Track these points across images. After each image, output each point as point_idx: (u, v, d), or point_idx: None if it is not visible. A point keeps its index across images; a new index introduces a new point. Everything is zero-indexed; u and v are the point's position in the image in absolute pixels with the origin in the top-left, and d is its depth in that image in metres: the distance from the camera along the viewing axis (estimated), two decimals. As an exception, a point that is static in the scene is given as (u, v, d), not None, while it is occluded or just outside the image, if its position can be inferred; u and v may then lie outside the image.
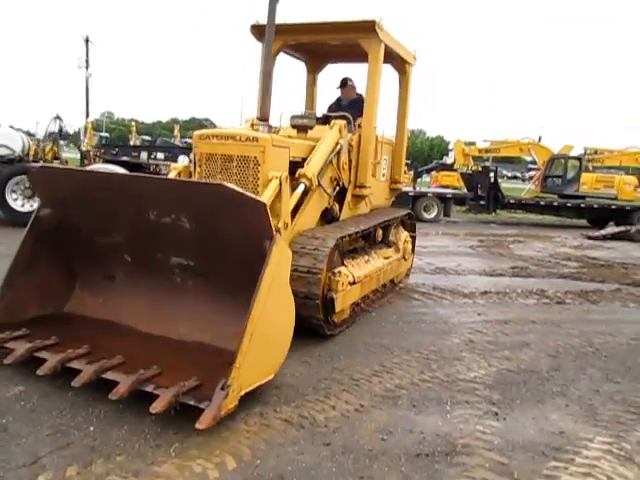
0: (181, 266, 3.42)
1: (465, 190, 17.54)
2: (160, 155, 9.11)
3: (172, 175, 4.26)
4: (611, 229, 14.08)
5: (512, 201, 16.85)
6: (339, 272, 4.17)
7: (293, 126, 4.63)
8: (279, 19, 4.16)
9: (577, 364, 4.12)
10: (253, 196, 2.90)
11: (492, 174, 16.38)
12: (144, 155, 9.08)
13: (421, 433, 2.87)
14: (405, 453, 2.66)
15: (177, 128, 31.40)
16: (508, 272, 7.78)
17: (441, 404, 3.26)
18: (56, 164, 9.18)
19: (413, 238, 6.48)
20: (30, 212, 8.73)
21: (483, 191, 16.27)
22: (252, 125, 4.27)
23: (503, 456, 2.70)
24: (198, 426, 2.44)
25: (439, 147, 63.55)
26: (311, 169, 4.11)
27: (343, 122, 4.65)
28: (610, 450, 2.86)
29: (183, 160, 9.30)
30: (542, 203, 16.85)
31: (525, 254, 9.76)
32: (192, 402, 2.63)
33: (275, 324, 2.92)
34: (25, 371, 3.09)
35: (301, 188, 4.00)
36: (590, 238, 13.09)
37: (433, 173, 22.83)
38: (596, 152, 24.30)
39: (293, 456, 2.54)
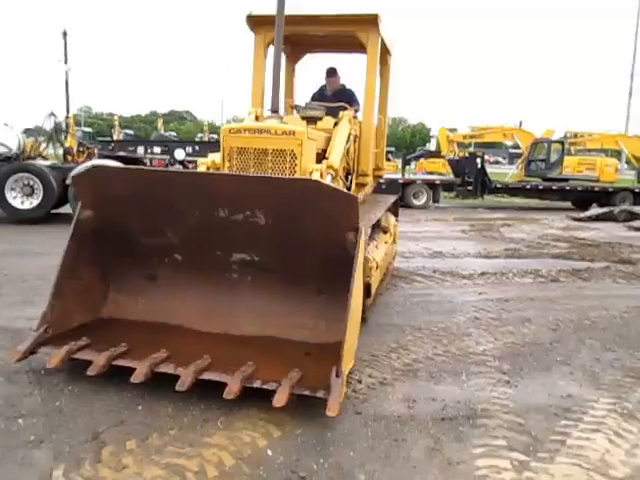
0: (243, 262, 3.46)
1: (452, 176, 17.89)
2: (157, 149, 9.21)
3: (202, 170, 4.20)
4: (595, 210, 14.49)
5: (499, 186, 17.23)
6: (370, 258, 4.38)
7: (303, 117, 4.77)
8: (269, 10, 4.29)
9: (576, 336, 4.41)
10: (346, 191, 3.17)
11: (479, 160, 16.71)
12: (141, 150, 9.17)
13: (442, 401, 3.13)
14: (431, 418, 2.91)
15: (160, 121, 31.19)
16: (502, 254, 8.09)
17: (457, 375, 3.51)
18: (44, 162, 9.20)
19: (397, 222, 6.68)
20: (29, 209, 8.98)
21: (471, 177, 16.62)
22: (257, 117, 4.50)
23: (519, 417, 2.96)
24: (330, 414, 2.59)
25: (421, 134, 63.98)
26: (335, 160, 4.27)
27: (351, 113, 4.84)
28: (614, 409, 3.14)
29: (179, 154, 9.53)
30: (528, 187, 17.25)
31: (516, 236, 10.09)
32: (307, 392, 2.76)
33: (358, 311, 3.17)
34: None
35: (329, 179, 4.16)
36: (576, 220, 13.48)
37: (421, 160, 23.16)
38: (576, 135, 24.78)
39: (330, 424, 2.77)
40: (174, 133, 33.81)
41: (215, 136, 25.63)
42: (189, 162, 9.57)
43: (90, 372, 2.90)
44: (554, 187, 17.15)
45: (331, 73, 5.77)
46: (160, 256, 3.59)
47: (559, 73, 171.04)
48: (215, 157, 4.23)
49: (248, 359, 3.03)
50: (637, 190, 16.95)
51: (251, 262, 3.46)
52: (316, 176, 3.81)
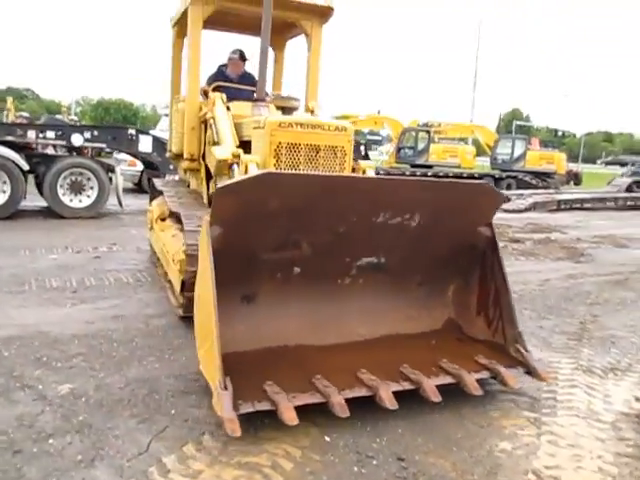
0: (370, 265, 3.37)
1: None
2: (50, 134, 8.35)
3: (253, 169, 3.68)
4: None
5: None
6: None
7: (278, 107, 4.73)
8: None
9: (514, 308, 5.02)
10: (500, 191, 3.41)
11: (363, 147, 17.52)
12: (31, 134, 8.26)
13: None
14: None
15: (10, 100, 27.79)
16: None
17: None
18: None
19: None
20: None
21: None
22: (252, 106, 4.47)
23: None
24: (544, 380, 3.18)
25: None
26: None
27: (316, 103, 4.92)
28: (576, 368, 3.69)
29: (77, 140, 8.70)
30: (397, 173, 18.52)
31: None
32: (487, 375, 3.12)
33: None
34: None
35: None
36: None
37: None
38: (434, 125, 27.00)
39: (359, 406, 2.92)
40: (25, 114, 30.11)
41: (25, 114, 23.27)
42: (92, 149, 8.82)
43: (290, 421, 2.50)
44: (418, 173, 18.60)
45: (242, 57, 5.66)
46: (272, 272, 3.20)
47: (412, 67, 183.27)
48: (229, 149, 3.91)
49: (394, 360, 3.06)
50: (497, 176, 19.04)
51: (377, 265, 3.39)
52: (370, 173, 4.01)
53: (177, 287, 4.10)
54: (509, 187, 19.30)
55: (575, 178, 31.85)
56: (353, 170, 4.07)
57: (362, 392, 2.78)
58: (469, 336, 3.59)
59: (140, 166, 11.76)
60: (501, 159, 22.39)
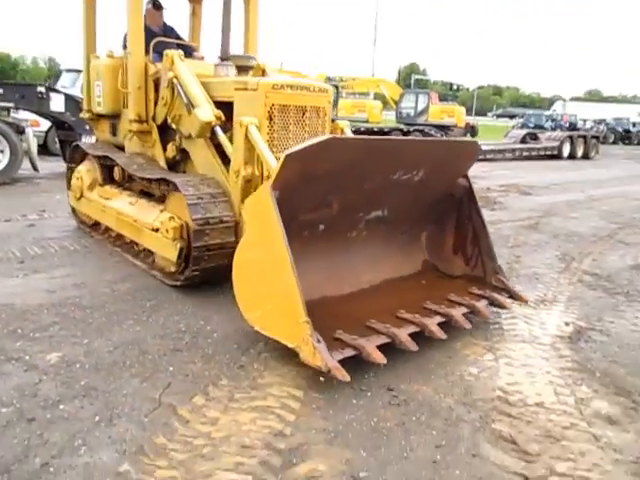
0: (374, 219, 3.67)
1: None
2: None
3: (254, 130, 3.70)
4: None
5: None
6: None
7: (238, 66, 4.65)
8: None
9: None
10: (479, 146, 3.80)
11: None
12: None
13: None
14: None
15: None
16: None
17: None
18: None
19: None
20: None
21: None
22: (215, 65, 4.42)
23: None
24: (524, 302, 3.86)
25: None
26: None
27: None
28: (513, 301, 4.22)
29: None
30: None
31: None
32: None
33: None
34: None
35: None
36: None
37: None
38: (342, 79, 27.30)
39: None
40: None
41: None
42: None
43: (380, 360, 2.79)
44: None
45: (160, 7, 5.48)
46: (301, 230, 3.29)
47: (315, 22, 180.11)
48: (209, 111, 3.93)
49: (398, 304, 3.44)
50: (406, 130, 19.75)
51: (381, 218, 3.69)
52: (348, 131, 4.24)
53: (170, 256, 3.95)
54: (417, 141, 20.17)
55: (472, 130, 33.83)
56: (331, 130, 4.23)
57: (410, 329, 3.14)
58: (446, 273, 4.11)
59: (44, 126, 10.95)
60: (406, 113, 23.18)
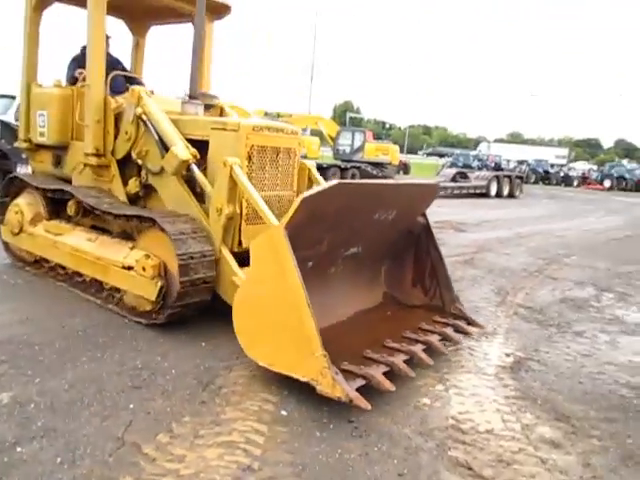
0: (351, 254, 3.86)
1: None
2: None
3: (239, 170, 3.84)
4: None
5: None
6: None
7: (205, 105, 4.73)
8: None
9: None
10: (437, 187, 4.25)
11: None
12: None
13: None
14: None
15: None
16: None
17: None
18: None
19: None
20: None
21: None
22: (183, 102, 4.50)
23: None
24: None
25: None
26: None
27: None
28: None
29: None
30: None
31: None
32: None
33: None
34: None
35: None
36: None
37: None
38: (279, 115, 27.88)
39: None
40: None
41: None
42: None
43: (390, 388, 3.03)
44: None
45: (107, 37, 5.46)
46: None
47: (250, 56, 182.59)
48: (185, 150, 4.04)
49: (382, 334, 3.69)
50: (343, 166, 20.31)
51: (355, 254, 3.85)
52: (315, 172, 4.59)
53: (148, 294, 3.87)
54: (353, 177, 20.74)
55: (404, 168, 35.28)
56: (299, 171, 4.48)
57: (402, 357, 3.39)
58: (406, 304, 4.37)
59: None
60: (342, 150, 23.90)
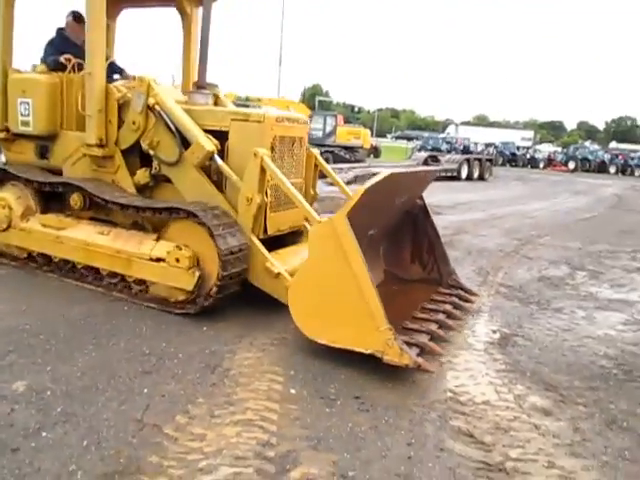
0: (369, 236, 4.02)
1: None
2: None
3: (269, 160, 3.98)
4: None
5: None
6: None
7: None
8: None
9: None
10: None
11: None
12: None
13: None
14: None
15: None
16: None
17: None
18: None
19: None
20: None
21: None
22: (190, 92, 4.63)
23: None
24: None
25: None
26: None
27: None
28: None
29: None
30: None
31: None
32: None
33: None
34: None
35: None
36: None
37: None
38: (248, 99, 27.72)
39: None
40: None
41: None
42: None
43: (440, 351, 3.61)
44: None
45: (76, 18, 5.22)
46: None
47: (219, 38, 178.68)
48: (207, 140, 4.18)
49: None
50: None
51: (371, 235, 4.06)
52: (320, 158, 4.81)
53: (185, 285, 3.95)
54: (327, 161, 20.69)
55: (375, 151, 35.49)
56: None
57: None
58: (406, 279, 4.70)
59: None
60: (314, 134, 23.90)
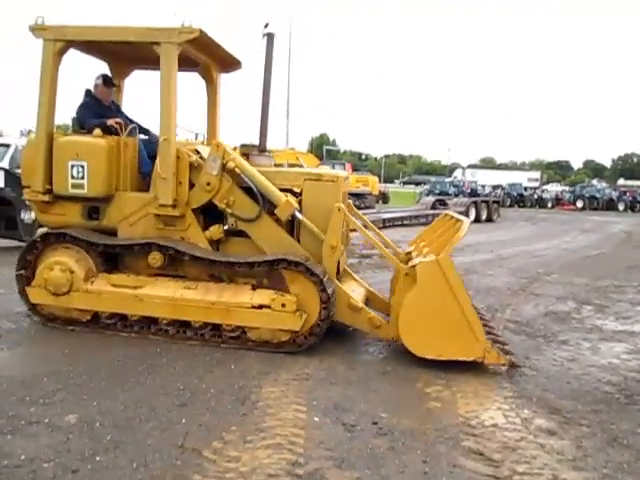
0: None
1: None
2: None
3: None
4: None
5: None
6: None
7: (243, 153, 5.15)
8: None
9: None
10: None
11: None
12: None
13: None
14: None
15: None
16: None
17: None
18: None
19: None
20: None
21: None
22: (248, 155, 5.16)
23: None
24: None
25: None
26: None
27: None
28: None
29: None
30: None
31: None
32: None
33: None
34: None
35: None
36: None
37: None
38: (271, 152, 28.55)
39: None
40: None
41: None
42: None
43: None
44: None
45: (111, 84, 5.53)
46: None
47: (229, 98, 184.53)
48: (289, 199, 4.76)
49: None
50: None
51: None
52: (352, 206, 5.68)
53: (292, 326, 4.46)
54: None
55: (384, 197, 36.15)
56: None
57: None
58: None
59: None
60: None
